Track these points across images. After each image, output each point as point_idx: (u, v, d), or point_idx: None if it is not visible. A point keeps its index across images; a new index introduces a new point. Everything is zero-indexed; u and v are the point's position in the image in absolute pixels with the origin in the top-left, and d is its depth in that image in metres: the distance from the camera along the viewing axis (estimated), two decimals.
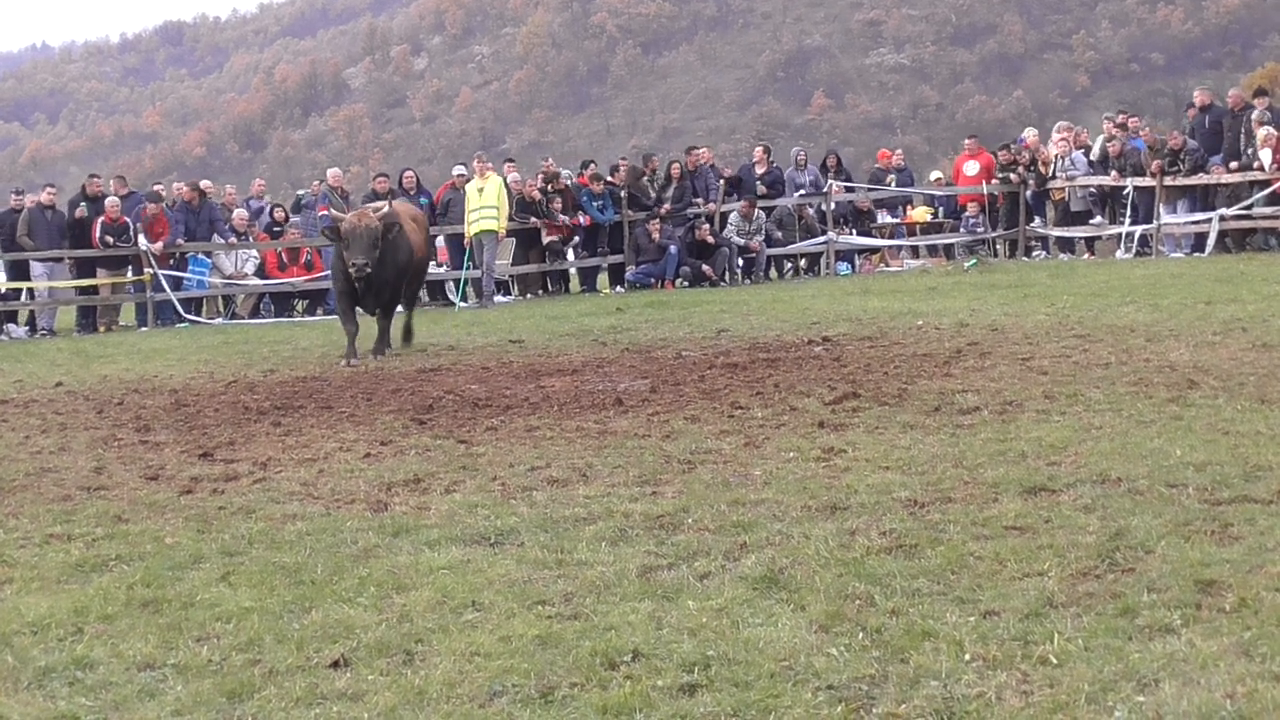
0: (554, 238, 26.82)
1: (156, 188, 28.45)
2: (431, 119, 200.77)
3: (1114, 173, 25.98)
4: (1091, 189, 26.82)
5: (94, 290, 25.96)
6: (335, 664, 5.22)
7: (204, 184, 28.59)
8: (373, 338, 17.14)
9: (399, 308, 18.14)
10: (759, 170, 28.81)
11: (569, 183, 27.96)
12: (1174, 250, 25.16)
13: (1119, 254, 25.84)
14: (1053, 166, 27.37)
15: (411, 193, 26.32)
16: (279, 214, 28.25)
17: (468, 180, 26.23)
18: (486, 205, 24.80)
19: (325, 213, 26.99)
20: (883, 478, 7.69)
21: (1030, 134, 29.76)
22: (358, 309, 16.99)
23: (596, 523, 7.07)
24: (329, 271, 26.58)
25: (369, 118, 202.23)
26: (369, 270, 16.06)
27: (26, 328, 25.81)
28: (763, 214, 27.27)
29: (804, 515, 6.97)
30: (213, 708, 4.90)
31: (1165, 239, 25.44)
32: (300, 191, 28.97)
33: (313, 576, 6.40)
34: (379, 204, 17.41)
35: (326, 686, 5.02)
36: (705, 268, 26.08)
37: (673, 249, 26.10)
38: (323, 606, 5.94)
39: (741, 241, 26.75)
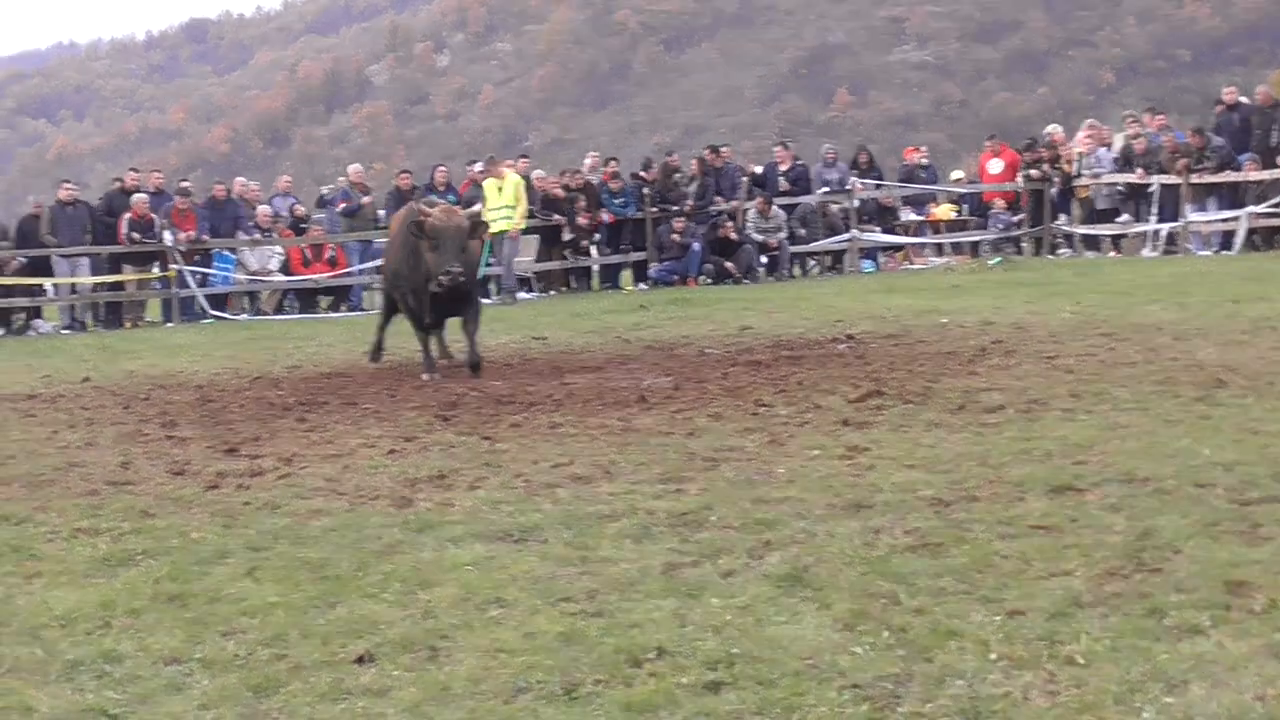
0: (576, 234, 26.83)
1: (184, 184, 28.50)
2: (454, 116, 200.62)
3: (1139, 170, 25.91)
4: (1119, 186, 26.76)
5: (119, 286, 26.05)
6: (360, 659, 5.22)
7: (239, 181, 28.69)
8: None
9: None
10: (782, 167, 28.80)
11: (591, 180, 28.00)
12: (1201, 248, 25.10)
13: (1145, 252, 25.80)
14: (1078, 164, 27.32)
15: (442, 189, 26.35)
16: (299, 210, 28.36)
17: (484, 175, 26.27)
18: (505, 204, 24.81)
19: (345, 206, 27.18)
20: (907, 476, 7.67)
21: (1055, 131, 29.71)
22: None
23: (620, 520, 7.07)
24: (354, 268, 26.79)
25: (392, 114, 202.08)
26: (463, 277, 13.76)
27: (54, 323, 25.91)
28: (781, 212, 27.26)
29: (828, 513, 6.95)
30: (238, 702, 4.90)
31: (1192, 237, 25.37)
32: (323, 189, 29.02)
33: (337, 572, 6.41)
34: (473, 208, 15.71)
35: (351, 682, 5.02)
36: (728, 265, 26.08)
37: (696, 246, 26.11)
38: (347, 602, 5.94)
39: (761, 239, 26.75)
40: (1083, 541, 6.16)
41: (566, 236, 26.85)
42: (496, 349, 15.90)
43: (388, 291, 16.06)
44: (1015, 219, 28.45)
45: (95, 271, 25.94)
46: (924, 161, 30.76)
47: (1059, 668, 4.74)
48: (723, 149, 29.83)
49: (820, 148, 31.52)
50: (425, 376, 13.94)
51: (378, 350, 15.97)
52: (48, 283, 25.89)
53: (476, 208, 14.56)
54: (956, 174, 33.67)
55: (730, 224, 26.69)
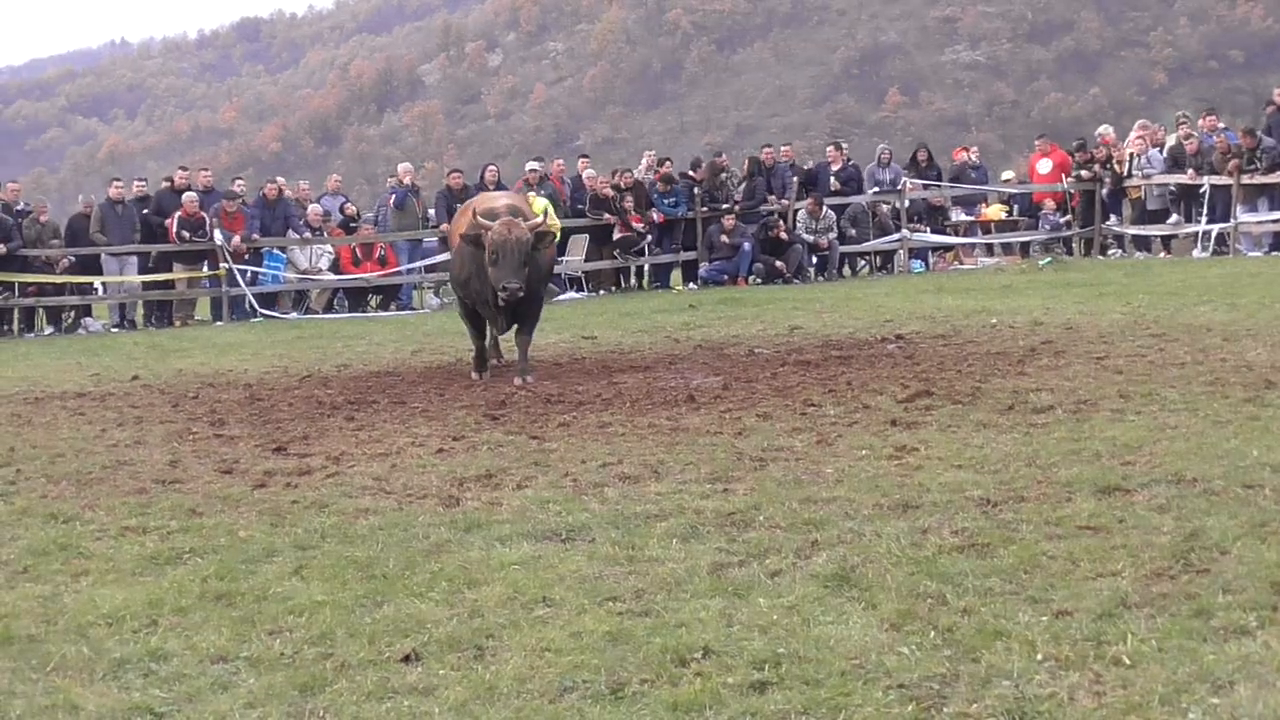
0: (626, 234, 26.83)
1: (238, 185, 28.62)
2: (506, 115, 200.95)
3: (1190, 171, 25.78)
4: (1170, 187, 26.62)
5: (169, 284, 26.18)
6: (406, 658, 5.23)
7: (279, 181, 28.78)
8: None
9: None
10: (834, 167, 28.76)
11: (642, 179, 28.02)
12: (1252, 249, 24.95)
13: (1196, 253, 25.66)
14: (1129, 164, 27.19)
15: (492, 188, 26.40)
16: (350, 209, 28.45)
17: (540, 177, 26.35)
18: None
19: (395, 197, 27.24)
20: (955, 476, 7.65)
21: (1107, 131, 29.58)
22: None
23: (668, 519, 7.07)
24: (404, 267, 26.86)
25: (443, 114, 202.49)
26: (521, 294, 13.12)
27: (102, 322, 26.06)
28: (832, 212, 27.22)
29: (876, 513, 6.94)
30: (284, 701, 4.92)
31: (1243, 238, 25.22)
32: (392, 181, 29.07)
33: (385, 571, 6.42)
34: (534, 220, 13.71)
35: (397, 680, 5.03)
36: (778, 263, 26.04)
37: (746, 246, 26.09)
38: (394, 601, 5.96)
39: (811, 239, 26.72)
40: (1130, 542, 6.13)
41: (616, 236, 26.86)
42: (546, 348, 15.91)
43: (460, 297, 15.01)
44: (1063, 219, 28.33)
45: (144, 270, 26.08)
46: (975, 161, 30.65)
47: (1105, 668, 4.72)
48: (784, 148, 29.97)
49: (875, 148, 31.39)
50: (475, 376, 13.90)
51: (481, 359, 14.48)
52: (97, 281, 26.05)
53: (538, 219, 13.63)
54: (1007, 174, 33.54)
55: (782, 224, 26.68)
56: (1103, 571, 5.75)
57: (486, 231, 13.13)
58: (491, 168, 28.25)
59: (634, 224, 26.60)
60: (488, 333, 14.59)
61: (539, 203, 25.28)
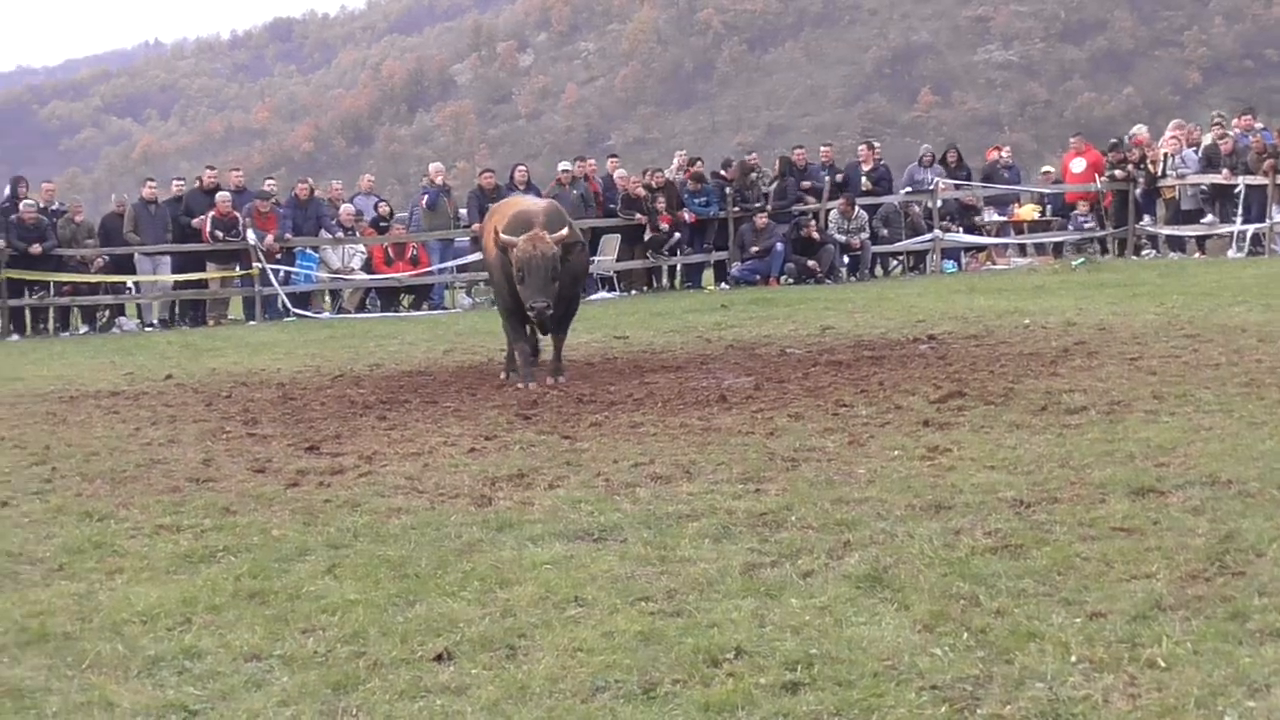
0: (655, 234, 26.82)
1: (270, 184, 28.70)
2: (537, 115, 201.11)
3: (1225, 171, 25.68)
4: (1203, 187, 26.52)
5: (202, 284, 26.27)
6: (439, 657, 5.23)
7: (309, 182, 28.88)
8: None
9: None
10: (865, 167, 28.72)
11: (673, 179, 28.03)
12: None
13: (1231, 253, 25.58)
14: (1163, 164, 27.09)
15: (522, 189, 26.43)
16: (384, 209, 28.49)
17: (573, 177, 26.38)
18: None
19: (427, 197, 27.27)
20: (988, 477, 7.63)
21: (1141, 131, 29.47)
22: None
23: (700, 519, 7.07)
24: (435, 267, 26.89)
25: (475, 114, 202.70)
26: (550, 312, 12.84)
27: (136, 321, 26.17)
28: (864, 212, 27.19)
29: (908, 514, 6.93)
30: (318, 699, 4.93)
31: (1278, 238, 25.12)
32: (424, 182, 29.20)
33: (417, 570, 6.43)
34: (561, 232, 13.10)
35: (430, 680, 5.04)
36: (810, 263, 26.01)
37: (778, 246, 26.08)
38: (427, 600, 5.96)
39: (843, 239, 26.69)
40: (1165, 544, 6.11)
41: (647, 236, 26.86)
42: (578, 348, 15.91)
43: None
44: (1087, 223, 28.22)
45: (176, 269, 26.17)
46: (1007, 161, 30.55)
47: (1140, 671, 4.71)
48: (823, 149, 30.05)
49: (907, 148, 31.41)
50: (520, 385, 13.03)
51: (512, 360, 14.00)
52: (131, 280, 26.14)
53: (564, 231, 13.02)
54: (1046, 168, 33.39)
55: (814, 223, 26.66)
56: (1137, 573, 5.73)
57: (511, 249, 12.74)
58: (521, 168, 28.27)
59: (662, 224, 26.59)
60: (526, 333, 13.87)
61: None
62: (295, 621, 5.78)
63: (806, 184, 27.89)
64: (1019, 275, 24.75)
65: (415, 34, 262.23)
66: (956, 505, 7.04)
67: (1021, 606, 5.40)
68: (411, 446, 9.89)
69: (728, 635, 5.24)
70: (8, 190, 26.36)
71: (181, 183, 28.22)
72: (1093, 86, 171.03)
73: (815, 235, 26.34)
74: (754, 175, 28.11)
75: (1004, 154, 31.01)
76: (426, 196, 27.74)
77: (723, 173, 28.63)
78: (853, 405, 10.53)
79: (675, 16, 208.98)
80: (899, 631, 5.20)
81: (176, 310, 26.29)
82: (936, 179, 27.99)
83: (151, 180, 27.52)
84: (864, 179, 28.23)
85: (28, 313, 25.47)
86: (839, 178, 28.45)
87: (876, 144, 31.20)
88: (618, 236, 26.85)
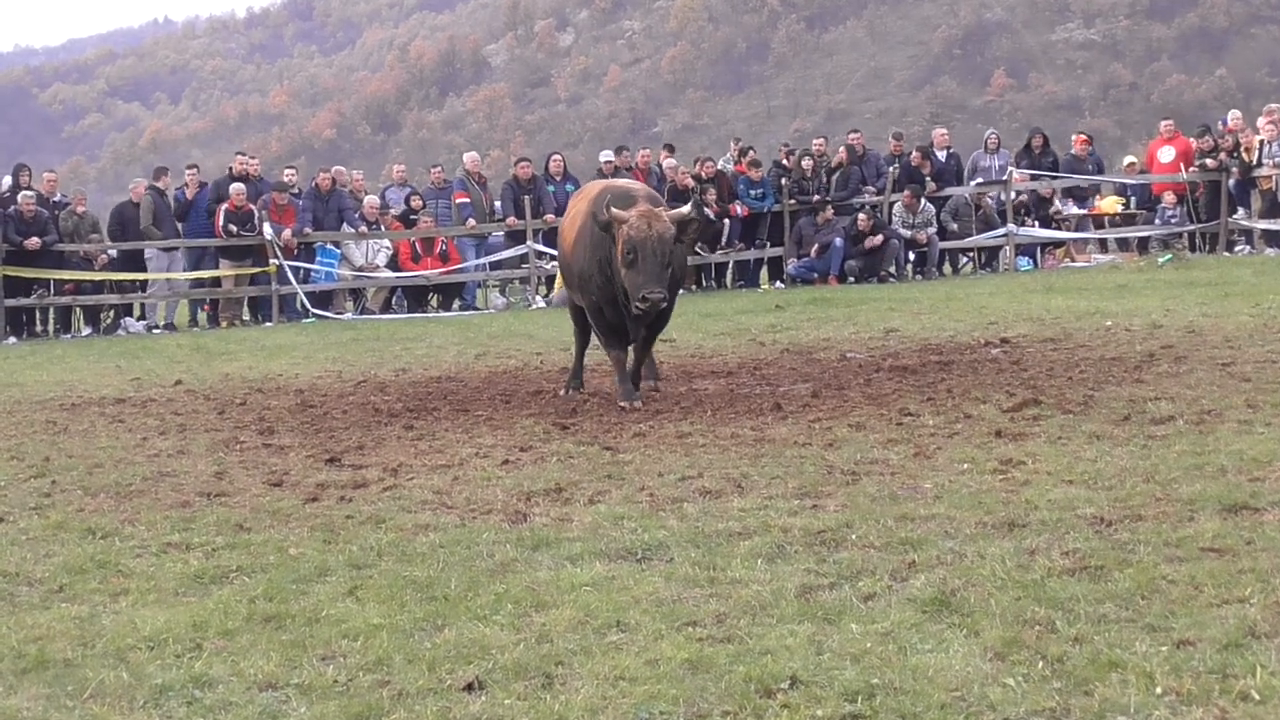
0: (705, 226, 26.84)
1: (289, 174, 28.81)
2: (577, 100, 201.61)
3: None
4: None
5: (216, 283, 26.36)
6: (469, 686, 5.23)
7: (338, 170, 29.01)
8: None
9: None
10: (939, 153, 28.66)
11: (725, 170, 28.03)
12: None
13: None
14: (1258, 153, 26.94)
15: (559, 179, 26.51)
16: (416, 202, 28.47)
17: (615, 168, 26.43)
18: None
19: (464, 200, 27.26)
20: (1066, 493, 7.60)
21: (1234, 116, 29.31)
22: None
23: (752, 538, 7.06)
24: (468, 264, 26.91)
25: (510, 98, 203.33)
26: (665, 303, 11.77)
27: (143, 322, 26.25)
28: (931, 205, 27.13)
29: (978, 532, 6.91)
30: None
31: None
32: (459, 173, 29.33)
33: (446, 592, 6.43)
34: (680, 209, 12.23)
35: (460, 710, 5.03)
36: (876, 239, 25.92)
37: (838, 242, 26.05)
38: (456, 624, 5.97)
39: (908, 234, 26.64)
40: (1259, 566, 6.07)
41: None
42: None
43: (573, 300, 13.70)
44: (1172, 216, 28.09)
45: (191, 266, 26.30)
46: (1089, 149, 30.37)
47: (1231, 704, 4.68)
48: (893, 141, 30.00)
49: (979, 134, 31.22)
50: (624, 404, 12.03)
51: (579, 374, 13.56)
52: (141, 278, 26.25)
53: (687, 207, 12.21)
54: (1129, 160, 33.22)
55: (863, 216, 26.55)
56: (1229, 598, 5.70)
57: (620, 225, 11.64)
58: (556, 157, 28.36)
59: (712, 214, 26.58)
60: (619, 336, 12.80)
61: None
62: (314, 648, 5.78)
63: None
64: (1100, 273, 24.66)
65: (446, 11, 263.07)
66: (1031, 523, 7.01)
67: (1102, 633, 5.38)
68: (440, 458, 9.91)
69: (782, 663, 5.23)
70: (8, 180, 26.48)
71: (195, 171, 28.27)
72: (1182, 68, 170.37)
73: (865, 228, 26.22)
74: (805, 163, 27.97)
75: (1084, 143, 30.67)
76: (463, 206, 27.73)
77: (784, 161, 28.56)
78: (918, 414, 10.51)
79: None
80: (968, 660, 5.18)
81: (175, 310, 26.43)
82: (1011, 169, 27.91)
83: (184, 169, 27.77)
84: (927, 173, 28.09)
85: (24, 313, 25.58)
86: (913, 159, 28.33)
87: (946, 131, 31.11)
88: None
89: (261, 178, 28.21)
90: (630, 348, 12.76)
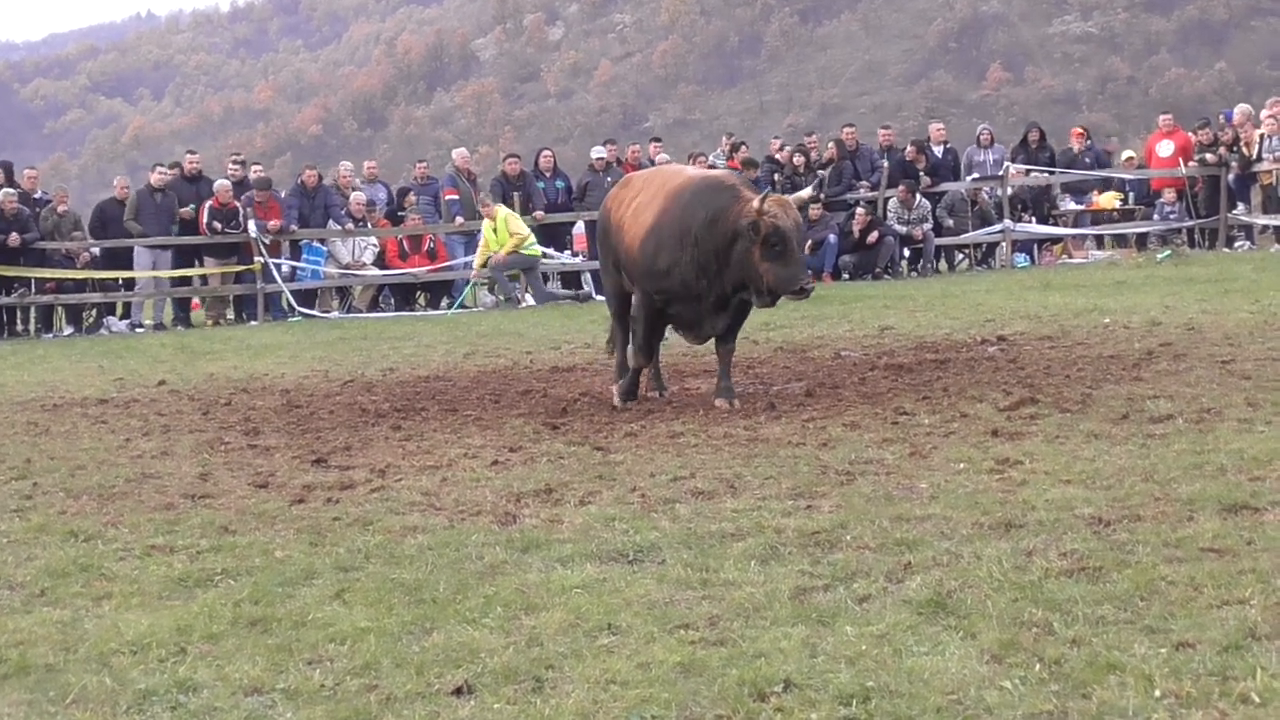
0: None
1: (255, 170, 28.75)
2: (567, 94, 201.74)
3: None
4: None
5: (201, 280, 26.34)
6: (458, 691, 5.23)
7: (344, 166, 29.03)
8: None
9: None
10: (936, 148, 28.70)
11: (716, 164, 28.05)
12: None
13: None
14: (1259, 147, 26.97)
15: (549, 175, 26.51)
16: (410, 200, 28.46)
17: (606, 164, 26.43)
18: (503, 241, 24.89)
19: (453, 196, 27.27)
20: (1063, 492, 7.61)
21: (1241, 111, 29.33)
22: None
23: (745, 539, 7.06)
24: (456, 261, 26.90)
25: (499, 93, 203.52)
26: (811, 289, 11.33)
27: (126, 321, 26.23)
28: (926, 201, 27.16)
29: (975, 533, 6.91)
30: None
31: None
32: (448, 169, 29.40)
33: (434, 595, 6.43)
34: (803, 192, 11.97)
35: (448, 715, 5.03)
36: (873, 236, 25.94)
37: (831, 238, 26.07)
38: (445, 628, 5.97)
39: (903, 230, 26.66)
40: (1259, 566, 6.07)
41: None
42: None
43: (618, 300, 13.03)
44: (1171, 211, 28.12)
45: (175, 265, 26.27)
46: (1086, 144, 30.39)
47: (1232, 706, 4.68)
48: (882, 131, 30.07)
49: (975, 129, 31.25)
50: (618, 404, 12.09)
51: (635, 384, 12.57)
52: (125, 275, 26.21)
53: (808, 190, 12.29)
54: (1127, 154, 33.23)
55: (860, 213, 26.59)
56: (1229, 599, 5.70)
57: (761, 216, 10.95)
58: (546, 153, 28.37)
59: None
60: (658, 350, 12.73)
61: (501, 212, 25.38)
62: (300, 652, 5.78)
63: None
64: (1098, 270, 24.69)
65: (434, 5, 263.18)
66: (1028, 524, 7.02)
67: (1100, 635, 5.38)
68: (429, 459, 9.91)
69: (776, 666, 5.23)
70: None
71: (171, 170, 28.18)
72: (1181, 61, 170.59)
73: (860, 226, 26.25)
74: (797, 159, 28.00)
75: (1082, 138, 30.70)
76: (448, 184, 27.75)
77: (776, 156, 28.58)
78: (914, 413, 10.52)
79: None
80: (965, 662, 5.18)
81: (159, 309, 26.41)
82: (1008, 164, 27.94)
83: (161, 166, 27.65)
84: (924, 159, 28.13)
85: (4, 313, 25.57)
86: (908, 154, 28.34)
87: (940, 126, 31.13)
88: None
89: (246, 176, 28.06)
90: (704, 343, 12.61)
